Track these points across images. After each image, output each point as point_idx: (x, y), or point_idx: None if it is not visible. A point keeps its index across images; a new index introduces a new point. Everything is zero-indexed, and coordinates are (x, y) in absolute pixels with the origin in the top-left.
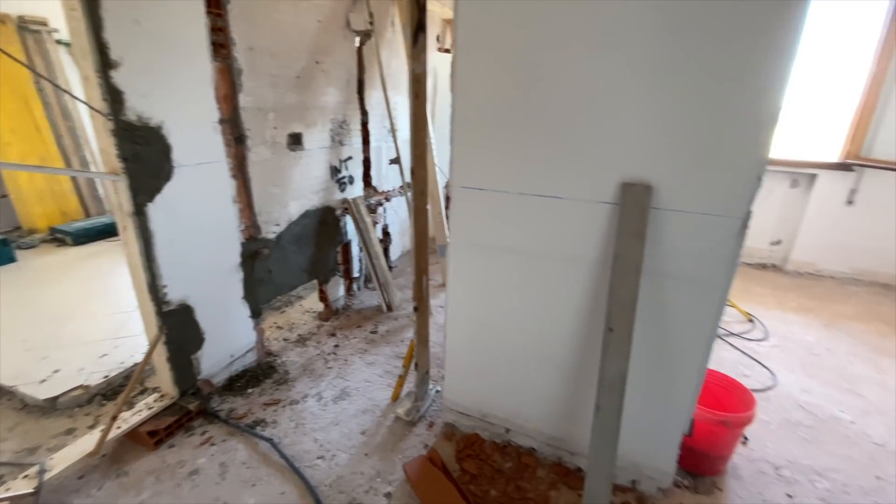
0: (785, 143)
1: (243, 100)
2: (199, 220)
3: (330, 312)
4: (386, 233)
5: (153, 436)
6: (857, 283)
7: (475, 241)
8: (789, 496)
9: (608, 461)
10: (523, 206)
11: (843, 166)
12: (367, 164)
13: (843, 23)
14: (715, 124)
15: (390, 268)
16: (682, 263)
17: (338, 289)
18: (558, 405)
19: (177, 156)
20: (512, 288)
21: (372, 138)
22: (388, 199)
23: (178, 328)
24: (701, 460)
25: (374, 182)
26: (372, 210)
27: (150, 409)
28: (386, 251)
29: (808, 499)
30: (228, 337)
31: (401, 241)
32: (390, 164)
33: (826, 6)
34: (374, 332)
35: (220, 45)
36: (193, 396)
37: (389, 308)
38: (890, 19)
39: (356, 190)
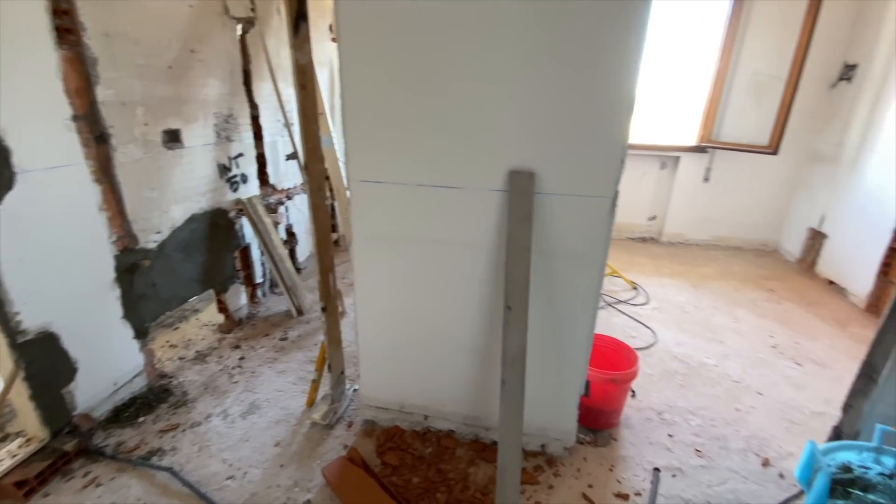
0: (654, 130)
1: (102, 93)
2: (56, 233)
3: (232, 323)
4: (291, 233)
5: (22, 486)
6: (716, 248)
7: (378, 234)
8: (670, 435)
9: (516, 431)
10: (422, 197)
11: (699, 149)
12: (261, 160)
13: (693, 21)
14: (580, 114)
15: (298, 269)
16: (566, 241)
17: (239, 297)
18: (472, 385)
19: (19, 160)
20: (418, 277)
21: (265, 133)
22: (289, 198)
23: (41, 360)
24: (597, 416)
25: (272, 179)
26: (272, 210)
27: (13, 456)
28: (292, 252)
29: (685, 435)
30: (108, 363)
31: (309, 241)
32: (287, 159)
33: (677, 5)
34: (284, 339)
35: (67, 30)
36: (70, 435)
37: (300, 312)
38: (730, 18)
39: (251, 189)
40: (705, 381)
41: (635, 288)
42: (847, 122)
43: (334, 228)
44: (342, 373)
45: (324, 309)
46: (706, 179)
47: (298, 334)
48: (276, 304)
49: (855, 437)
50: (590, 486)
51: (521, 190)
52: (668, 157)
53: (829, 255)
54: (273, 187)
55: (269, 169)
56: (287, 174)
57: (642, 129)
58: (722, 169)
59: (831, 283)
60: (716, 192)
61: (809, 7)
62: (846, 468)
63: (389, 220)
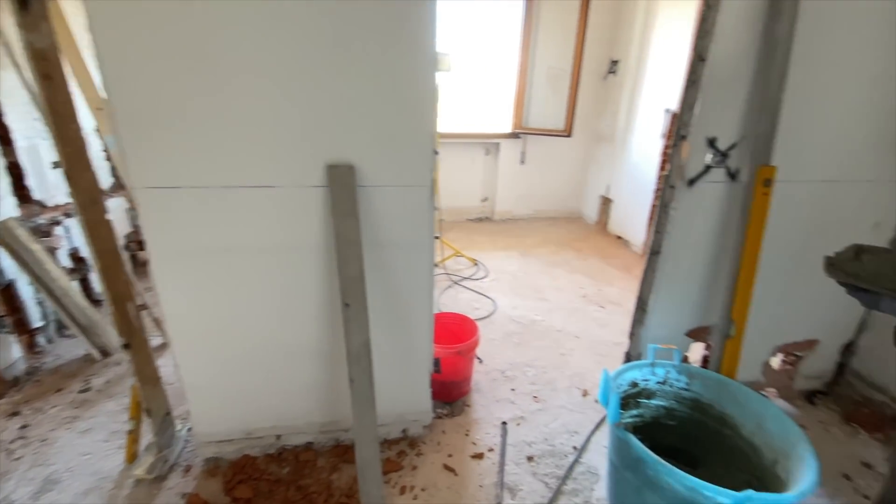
0: (478, 119)
1: None
2: None
3: (3, 385)
4: (78, 259)
5: None
6: (537, 220)
7: (183, 249)
8: (512, 389)
9: (371, 426)
10: (233, 201)
11: (513, 135)
12: (16, 171)
13: (496, 19)
14: (389, 107)
15: (96, 302)
16: (394, 231)
17: (9, 350)
18: (323, 390)
19: None
20: (243, 290)
21: (17, 136)
22: (68, 215)
23: None
24: (450, 389)
25: (38, 195)
26: (43, 233)
27: None
28: (85, 282)
29: (524, 386)
30: None
31: None
32: (55, 167)
33: (479, 5)
34: (85, 391)
35: None
36: None
37: (105, 354)
38: (524, 18)
39: (5, 209)
40: (536, 336)
41: (476, 264)
42: (616, 109)
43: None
44: (167, 414)
45: (126, 346)
46: (522, 162)
47: (106, 381)
48: (71, 349)
49: (639, 357)
50: (450, 455)
51: (342, 184)
52: (490, 143)
53: (615, 216)
54: (40, 204)
55: (31, 181)
56: (60, 186)
57: (468, 119)
58: (533, 152)
59: (619, 237)
60: (531, 172)
61: (581, 11)
62: (633, 384)
63: (196, 230)
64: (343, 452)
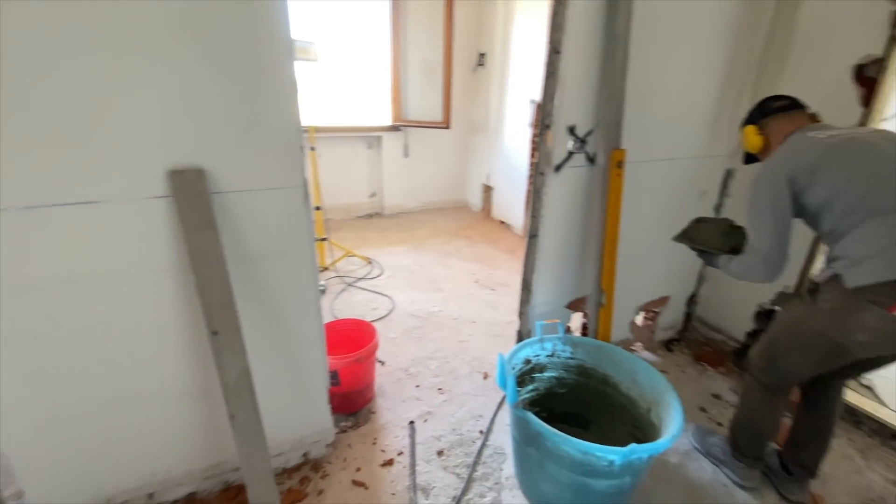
0: (356, 113)
1: None
2: None
3: None
4: None
5: None
6: (427, 211)
7: None
8: (417, 386)
9: (262, 461)
10: (41, 223)
11: (394, 128)
12: None
13: (366, 14)
14: (243, 100)
15: None
16: (265, 241)
17: None
18: (200, 432)
19: None
20: (76, 332)
21: None
22: None
23: None
24: (353, 399)
25: None
26: None
27: None
28: None
29: (428, 380)
30: None
31: None
32: None
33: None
34: None
35: None
36: None
37: None
38: (392, 13)
39: None
40: (436, 327)
41: (370, 262)
42: (487, 100)
43: None
44: None
45: None
46: (406, 155)
47: None
48: None
49: (529, 335)
50: (358, 469)
51: (190, 192)
52: (372, 137)
53: (497, 203)
54: None
55: None
56: None
57: (347, 112)
58: (416, 144)
59: (502, 222)
60: (416, 164)
61: (446, 3)
62: (527, 361)
63: None
64: (235, 495)
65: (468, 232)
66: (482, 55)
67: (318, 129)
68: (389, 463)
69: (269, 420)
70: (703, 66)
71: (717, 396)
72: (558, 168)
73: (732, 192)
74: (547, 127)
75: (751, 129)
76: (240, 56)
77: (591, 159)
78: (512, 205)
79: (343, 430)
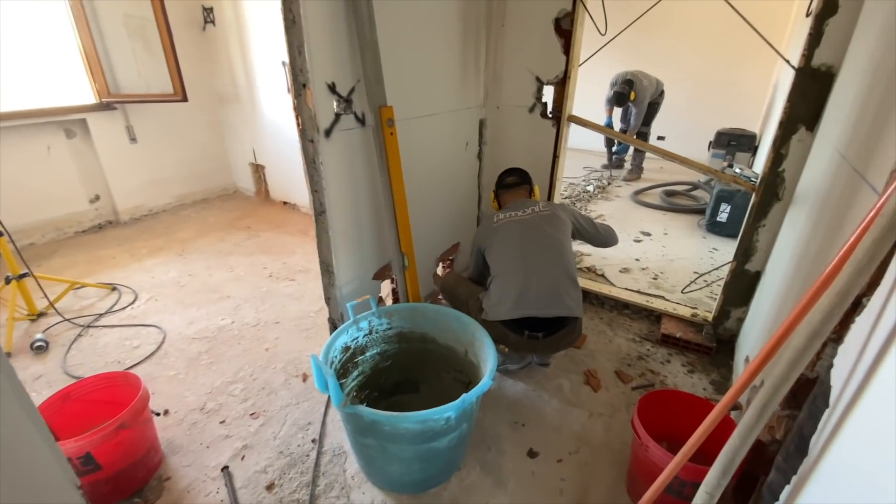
0: (36, 91)
1: None
2: None
3: None
4: None
5: None
6: (185, 207)
7: None
8: (222, 422)
9: None
10: None
11: (104, 106)
12: None
13: None
14: None
15: None
16: None
17: None
18: None
19: None
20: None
21: None
22: None
23: None
24: (129, 477)
25: None
26: None
27: None
28: None
29: (235, 409)
30: None
31: None
32: None
33: None
34: None
35: None
36: None
37: None
38: None
39: None
40: (230, 343)
41: (113, 290)
42: (231, 65)
43: None
44: None
45: None
46: (133, 139)
47: None
48: None
49: (341, 319)
50: None
51: None
52: (70, 121)
53: (273, 182)
54: None
55: None
56: None
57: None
58: (145, 125)
59: (285, 203)
60: (151, 150)
61: None
62: (346, 349)
63: None
64: None
65: (246, 221)
66: (208, 10)
67: None
68: None
69: None
70: (442, 23)
71: None
72: (328, 133)
73: (488, 139)
74: (303, 86)
75: (493, 195)
76: None
77: (360, 120)
78: (291, 182)
79: None
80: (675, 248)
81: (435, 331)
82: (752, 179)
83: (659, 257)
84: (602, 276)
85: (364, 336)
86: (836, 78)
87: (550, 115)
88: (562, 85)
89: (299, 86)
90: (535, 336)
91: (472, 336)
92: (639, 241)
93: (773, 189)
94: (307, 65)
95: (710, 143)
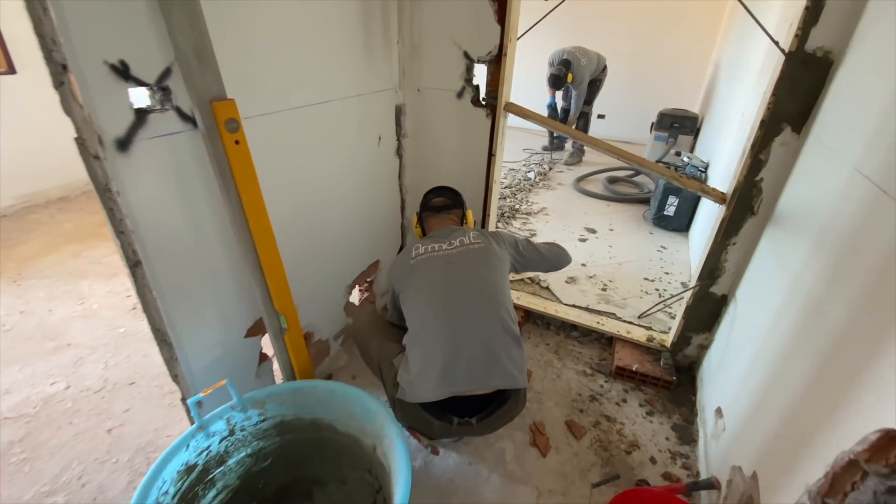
0: None
1: None
2: None
3: None
4: None
5: None
6: (35, 209)
7: None
8: None
9: None
10: None
11: None
12: None
13: None
14: None
15: None
16: None
17: None
18: None
19: None
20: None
21: None
22: None
23: None
24: None
25: None
26: None
27: None
28: None
29: None
30: None
31: None
32: None
33: None
34: None
35: None
36: None
37: None
38: None
39: None
40: (59, 423)
41: None
42: None
43: None
44: None
45: None
46: None
47: None
48: None
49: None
50: None
51: None
52: None
53: None
54: None
55: None
56: None
57: None
58: None
59: None
60: None
61: None
62: (189, 468)
63: None
64: None
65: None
66: None
67: None
68: None
69: None
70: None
71: None
72: (124, 143)
73: (408, 130)
74: (63, 68)
75: (415, 218)
76: None
77: (189, 118)
78: None
79: None
80: (622, 247)
81: (331, 416)
82: (700, 170)
83: (606, 260)
84: (547, 288)
85: (221, 441)
86: (836, 66)
87: (484, 103)
88: (497, 63)
89: (56, 68)
90: (468, 422)
91: (380, 431)
92: (584, 241)
93: (748, 202)
94: (65, 32)
95: (653, 124)
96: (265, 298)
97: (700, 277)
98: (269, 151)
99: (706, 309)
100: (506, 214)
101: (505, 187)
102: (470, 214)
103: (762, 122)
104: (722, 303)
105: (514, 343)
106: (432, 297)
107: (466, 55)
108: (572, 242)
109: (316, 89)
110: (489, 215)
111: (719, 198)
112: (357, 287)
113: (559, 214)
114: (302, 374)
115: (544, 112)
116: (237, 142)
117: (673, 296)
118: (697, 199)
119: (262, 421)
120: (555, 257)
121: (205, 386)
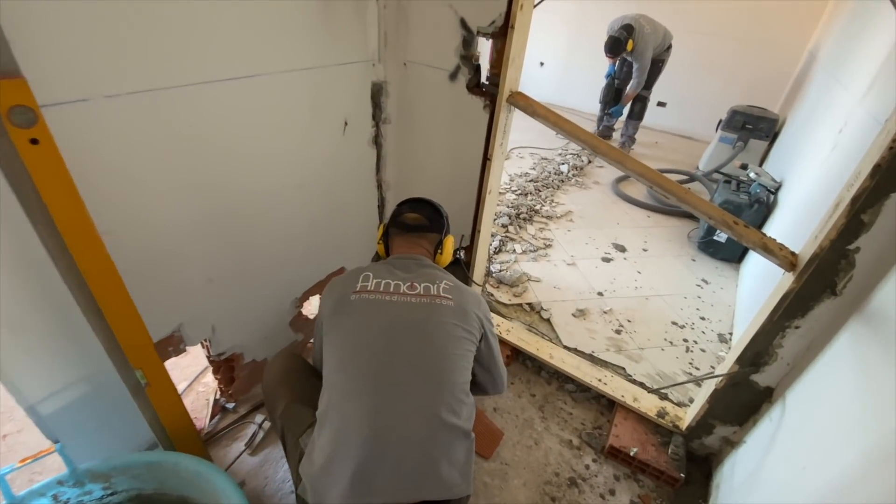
0: None
1: None
2: None
3: None
4: None
5: None
6: None
7: None
8: None
9: None
10: None
11: None
12: None
13: None
14: None
15: None
16: None
17: None
18: None
19: None
20: None
21: None
22: None
23: None
24: None
25: None
26: None
27: None
28: None
29: None
30: None
31: None
32: None
33: None
34: None
35: None
36: None
37: None
38: None
39: None
40: None
41: None
42: None
43: None
44: None
45: None
46: None
47: None
48: None
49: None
50: None
51: None
52: None
53: None
54: None
55: None
56: None
57: None
58: None
59: None
60: None
61: None
62: None
63: None
64: None
65: None
66: None
67: None
68: None
69: None
70: None
71: None
72: None
73: (391, 115)
74: None
75: (380, 230)
76: None
77: None
78: None
79: None
80: (654, 275)
81: (198, 494)
82: (770, 190)
83: (630, 291)
84: (548, 321)
85: None
86: None
87: (482, 90)
88: (501, 38)
89: None
90: None
91: None
92: (608, 261)
93: (830, 276)
94: None
95: (720, 122)
96: (111, 348)
97: (739, 361)
98: (157, 142)
99: (741, 399)
100: (521, 216)
101: (529, 180)
102: (449, 243)
103: (877, 166)
104: (764, 396)
105: (460, 438)
106: (363, 362)
107: (464, 24)
108: (593, 262)
109: (234, 58)
110: (479, 232)
111: (787, 262)
112: (309, 298)
113: (587, 222)
114: (177, 436)
115: (602, 83)
116: (34, 140)
117: (704, 375)
118: (761, 226)
119: (110, 495)
120: (496, 378)
121: (69, 435)
